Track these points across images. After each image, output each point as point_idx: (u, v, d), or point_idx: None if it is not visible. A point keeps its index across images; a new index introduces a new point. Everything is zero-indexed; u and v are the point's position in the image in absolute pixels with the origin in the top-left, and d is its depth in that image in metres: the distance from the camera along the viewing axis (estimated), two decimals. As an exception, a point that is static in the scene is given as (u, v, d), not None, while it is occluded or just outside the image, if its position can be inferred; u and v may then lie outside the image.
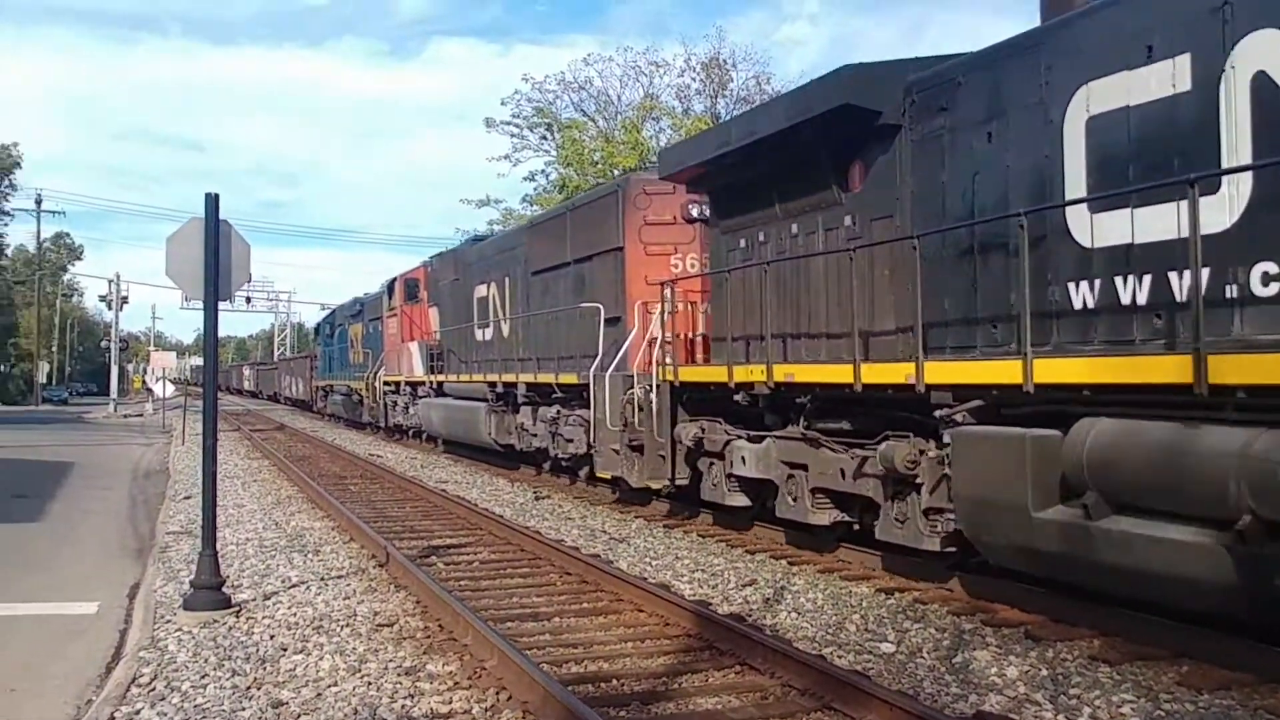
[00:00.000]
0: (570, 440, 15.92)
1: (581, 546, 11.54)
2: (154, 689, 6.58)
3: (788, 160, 10.59)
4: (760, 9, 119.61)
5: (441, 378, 23.62)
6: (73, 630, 8.46)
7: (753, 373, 10.77)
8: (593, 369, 14.47)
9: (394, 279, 28.67)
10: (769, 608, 8.74)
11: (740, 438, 11.34)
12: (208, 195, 8.87)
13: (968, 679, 6.72)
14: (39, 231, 73.96)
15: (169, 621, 8.27)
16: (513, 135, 44.96)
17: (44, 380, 74.34)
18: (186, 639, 7.75)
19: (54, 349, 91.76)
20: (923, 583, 9.30)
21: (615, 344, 14.55)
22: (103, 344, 78.68)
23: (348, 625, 8.13)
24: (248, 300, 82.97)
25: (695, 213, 13.48)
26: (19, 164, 71.19)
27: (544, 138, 45.23)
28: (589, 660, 7.12)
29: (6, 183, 75.64)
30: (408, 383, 27.05)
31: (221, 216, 8.94)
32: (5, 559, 11.55)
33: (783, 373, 10.28)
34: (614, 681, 6.63)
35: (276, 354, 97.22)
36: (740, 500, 11.71)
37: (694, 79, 43.21)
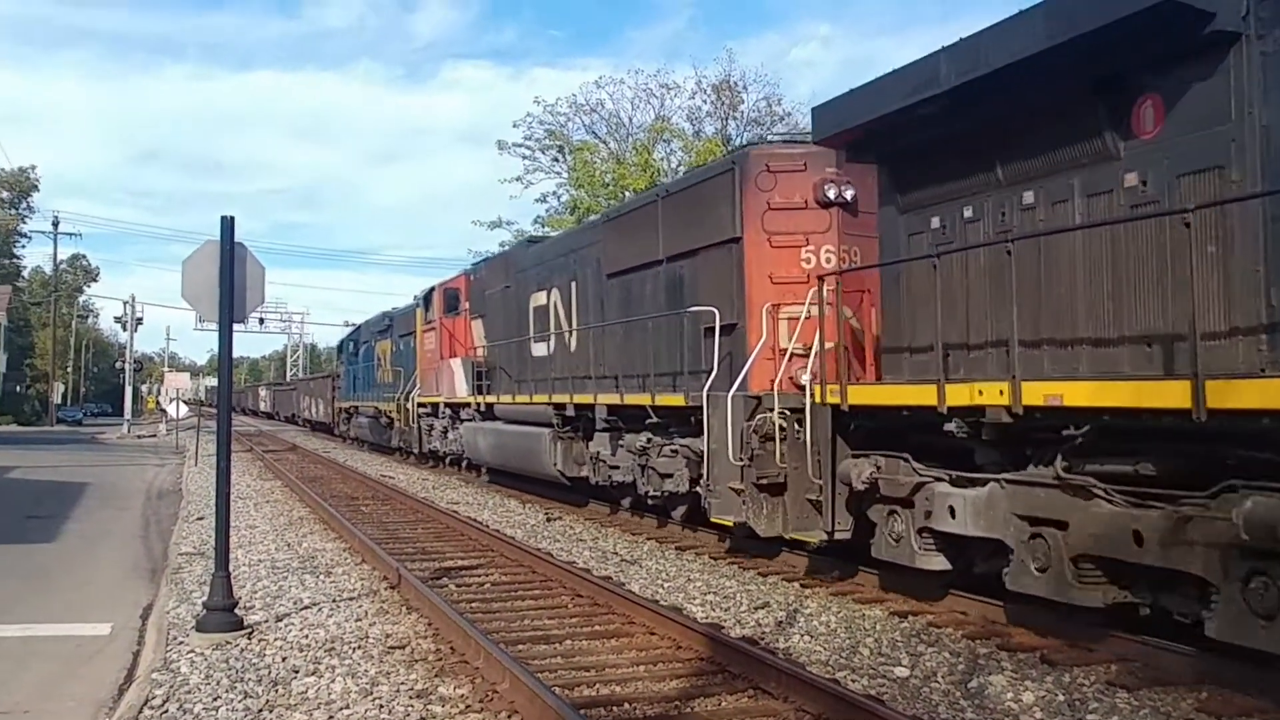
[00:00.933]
0: (667, 475, 13.06)
1: (593, 568, 11.51)
2: (166, 711, 6.57)
3: (1027, 102, 8.02)
4: (772, 31, 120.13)
5: (491, 399, 20.46)
6: (86, 651, 8.45)
7: (981, 393, 7.86)
8: (706, 388, 11.63)
9: (431, 289, 26.02)
10: (782, 631, 8.69)
11: (943, 480, 8.68)
12: (223, 218, 8.94)
13: (983, 704, 6.67)
14: (55, 253, 74.35)
15: (182, 643, 8.26)
16: (525, 157, 45.13)
17: (59, 401, 74.54)
18: (199, 661, 7.74)
19: (69, 370, 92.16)
20: (936, 605, 9.25)
21: (729, 358, 11.87)
22: (117, 365, 79.06)
23: (360, 647, 8.12)
24: (261, 321, 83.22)
25: (833, 194, 11.51)
26: (36, 186, 71.78)
27: (556, 159, 45.39)
28: (601, 683, 7.09)
29: (24, 205, 76.36)
30: (448, 404, 23.91)
31: (237, 239, 8.99)
32: (20, 579, 11.56)
33: (1041, 393, 7.40)
34: (626, 705, 6.60)
35: (290, 375, 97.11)
36: (938, 563, 8.94)
37: (705, 101, 43.39)
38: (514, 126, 46.26)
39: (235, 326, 9.22)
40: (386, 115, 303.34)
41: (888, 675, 7.35)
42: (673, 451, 12.99)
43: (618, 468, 14.73)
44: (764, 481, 10.72)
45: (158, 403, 56.20)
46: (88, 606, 10.13)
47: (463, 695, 6.83)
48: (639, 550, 13.21)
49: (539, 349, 18.23)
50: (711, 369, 11.73)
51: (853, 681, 7.13)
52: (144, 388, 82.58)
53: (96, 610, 9.93)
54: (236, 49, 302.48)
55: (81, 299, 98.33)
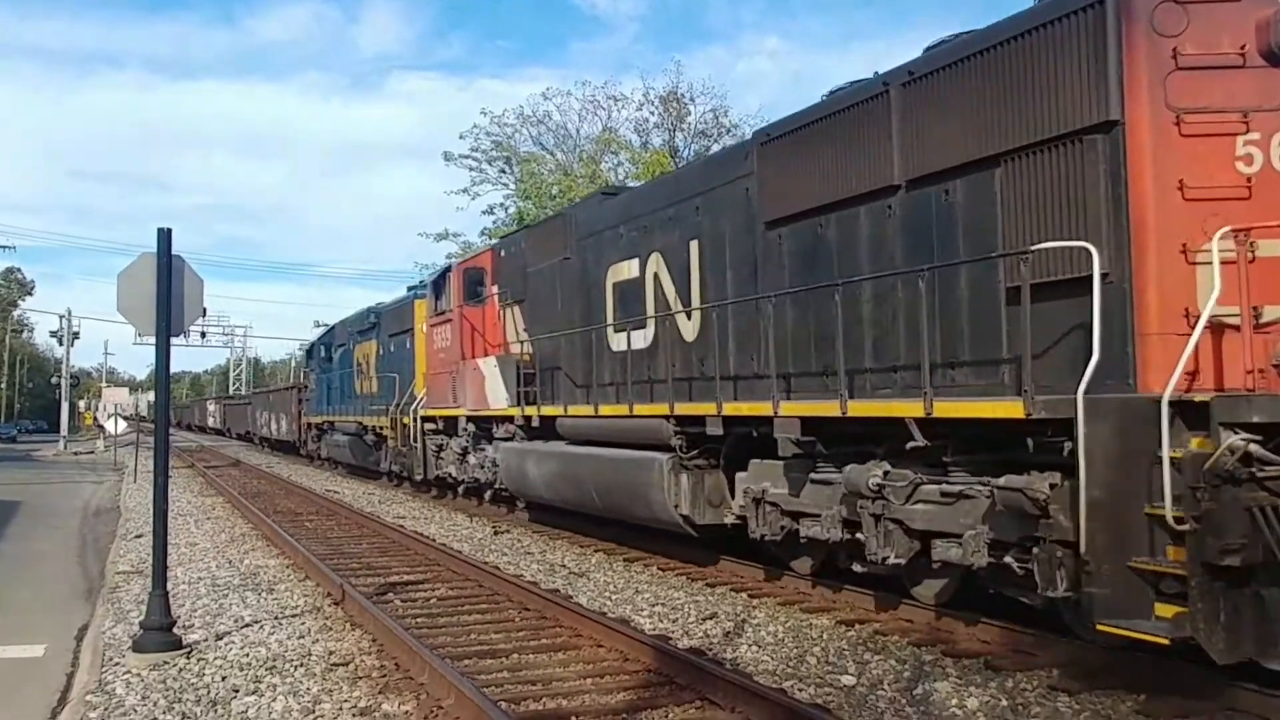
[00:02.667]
0: (945, 537, 8.02)
1: (541, 581, 11.44)
2: (101, 734, 6.41)
3: None
4: (719, 45, 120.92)
5: (553, 410, 14.66)
6: (18, 674, 8.23)
7: None
8: (1081, 388, 6.55)
9: (443, 271, 20.48)
10: (730, 641, 8.69)
11: None
12: (160, 230, 8.79)
13: (928, 711, 6.70)
14: (-11, 267, 72.83)
15: (117, 664, 8.08)
16: (471, 169, 44.94)
17: (-8, 417, 72.89)
18: (135, 682, 7.57)
19: (3, 386, 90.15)
20: (882, 614, 9.30)
21: (1084, 334, 6.92)
22: (53, 380, 77.38)
23: (302, 665, 7.99)
24: (203, 335, 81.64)
25: None
26: (-32, 199, 70.05)
27: (503, 171, 45.26)
28: (548, 697, 7.03)
29: (-45, 218, 74.54)
30: (473, 419, 17.81)
31: (176, 252, 8.85)
32: (-51, 601, 11.25)
33: None
34: (573, 718, 6.56)
35: (233, 389, 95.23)
36: None
37: (652, 112, 43.48)
38: (460, 138, 45.98)
39: (175, 340, 9.10)
40: (331, 128, 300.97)
41: (834, 684, 7.37)
42: (956, 497, 7.92)
43: (805, 515, 9.67)
44: (1226, 561, 5.99)
45: (95, 419, 55.15)
46: (20, 628, 9.87)
47: (407, 712, 6.74)
48: (587, 563, 13.16)
49: (624, 340, 12.96)
50: (1090, 355, 6.67)
51: (800, 691, 7.14)
52: (81, 403, 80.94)
53: (29, 632, 9.68)
54: (178, 61, 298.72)
55: (15, 313, 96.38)
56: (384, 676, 7.60)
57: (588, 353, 14.24)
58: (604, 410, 13.11)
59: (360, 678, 7.60)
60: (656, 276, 12.55)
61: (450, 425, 19.39)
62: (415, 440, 21.14)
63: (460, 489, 19.79)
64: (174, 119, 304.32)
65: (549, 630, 9.11)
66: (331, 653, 8.37)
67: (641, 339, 12.83)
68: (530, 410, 15.27)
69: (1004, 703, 6.79)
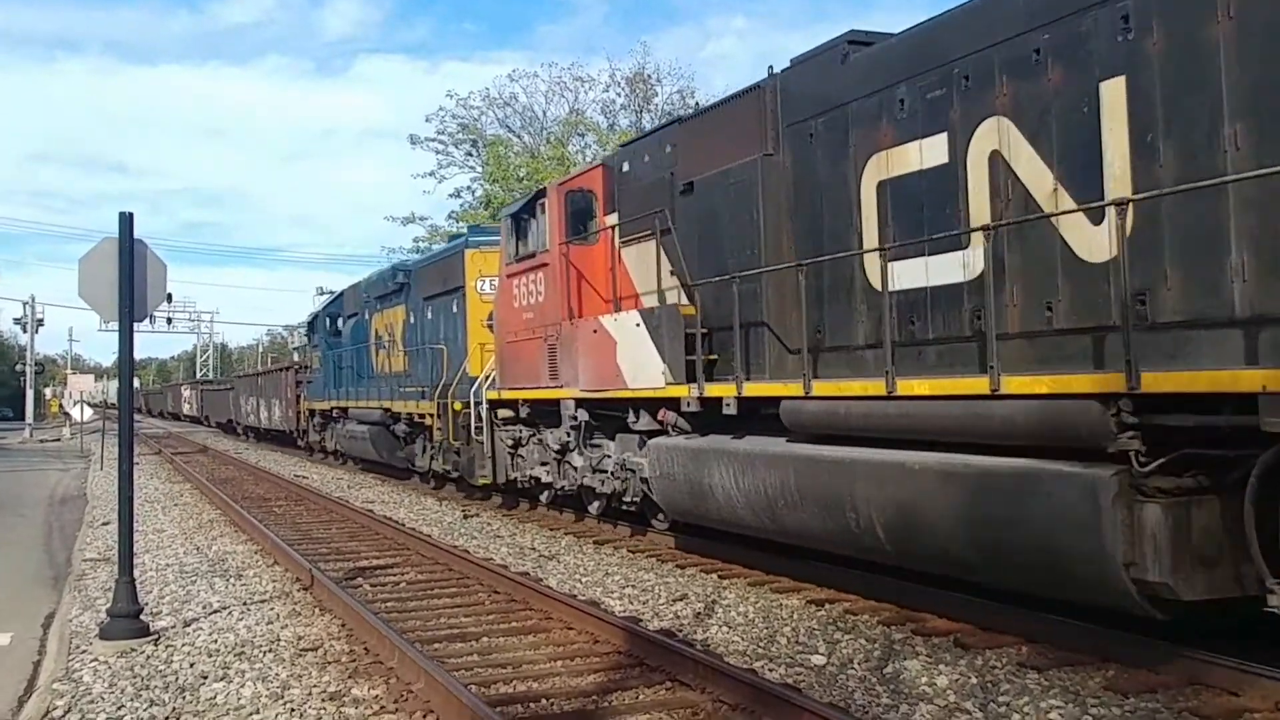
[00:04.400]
0: None
1: (510, 565, 11.43)
2: (67, 722, 6.35)
3: None
4: (686, 26, 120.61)
5: (779, 389, 9.45)
6: (-18, 664, 8.14)
7: None
8: None
9: (531, 199, 14.34)
10: (700, 622, 8.70)
11: None
12: (122, 214, 8.68)
13: (898, 689, 6.74)
14: (-51, 253, 71.79)
15: (84, 652, 8.01)
16: (438, 152, 44.73)
17: (-45, 405, 72.02)
18: (103, 669, 7.50)
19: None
20: (852, 593, 9.35)
21: None
22: (17, 368, 76.43)
23: (270, 651, 7.94)
24: (169, 321, 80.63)
25: None
26: (-73, 184, 69.06)
27: (469, 154, 45.07)
28: (518, 680, 7.02)
29: (-85, 203, 73.50)
30: (588, 402, 12.70)
31: (138, 236, 8.73)
32: (-89, 591, 11.11)
33: None
34: (543, 701, 6.54)
35: (200, 375, 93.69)
36: None
37: (619, 94, 43.39)
38: (426, 121, 45.80)
39: (139, 326, 8.99)
40: (296, 112, 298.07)
41: (805, 664, 7.40)
42: None
43: None
44: None
45: (61, 406, 54.57)
46: (-15, 617, 9.76)
47: (377, 696, 6.71)
48: (557, 545, 13.15)
49: (908, 270, 8.47)
50: None
51: (770, 671, 7.16)
52: (47, 391, 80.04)
53: (-6, 620, 9.58)
54: (139, 45, 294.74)
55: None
56: (354, 661, 7.56)
57: (819, 297, 9.29)
58: (912, 387, 7.89)
59: (330, 662, 7.56)
60: (999, 158, 7.73)
61: (542, 412, 14.20)
62: (480, 432, 15.83)
63: (543, 497, 15.12)
64: (135, 103, 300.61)
65: (519, 613, 9.09)
66: (300, 638, 8.32)
67: (952, 267, 8.10)
68: (721, 389, 10.05)
69: (973, 680, 6.84)
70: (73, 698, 6.84)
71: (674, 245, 11.32)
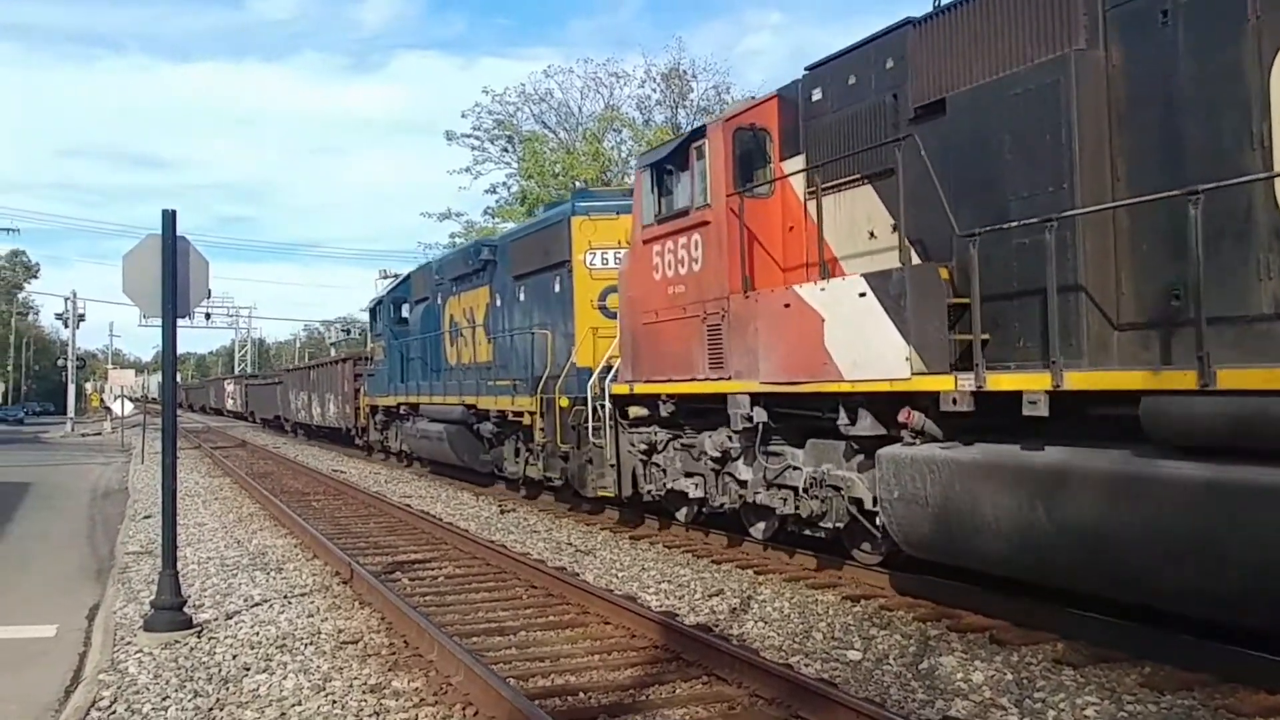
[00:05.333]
0: None
1: (547, 559, 11.50)
2: (114, 712, 6.48)
3: None
4: (722, 21, 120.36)
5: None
6: (31, 654, 8.30)
7: None
8: None
9: (684, 142, 11.59)
10: (736, 618, 8.74)
11: None
12: (165, 212, 8.80)
13: (934, 685, 6.75)
14: (-7, 250, 72.95)
15: (129, 643, 8.15)
16: (474, 148, 44.93)
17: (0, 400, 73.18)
18: (147, 660, 7.64)
19: (9, 368, 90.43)
20: (888, 589, 9.35)
21: None
22: (59, 362, 77.63)
23: (311, 643, 8.05)
24: (207, 316, 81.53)
25: None
26: (-28, 181, 70.14)
27: (505, 150, 45.23)
28: (555, 674, 7.09)
29: (-41, 200, 74.75)
30: (773, 394, 9.93)
31: (179, 233, 8.86)
32: (-40, 583, 11.34)
33: None
34: (581, 695, 6.61)
35: (239, 370, 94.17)
36: None
37: (654, 89, 43.39)
38: (462, 117, 45.89)
39: (180, 321, 9.10)
40: (331, 107, 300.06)
41: (841, 659, 7.42)
42: None
43: None
44: None
45: (102, 401, 55.29)
46: (32, 608, 9.95)
47: (417, 689, 6.80)
48: (593, 540, 13.22)
49: None
50: None
51: (806, 666, 7.19)
52: (88, 385, 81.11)
53: (41, 612, 9.77)
54: (176, 41, 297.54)
55: (21, 296, 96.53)
56: (393, 654, 7.66)
57: (1182, 245, 6.38)
58: None
59: (370, 655, 7.66)
60: None
61: (691, 411, 11.57)
62: (596, 434, 13.33)
63: (680, 514, 12.31)
64: (172, 99, 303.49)
65: (556, 607, 9.16)
66: (341, 631, 8.44)
67: None
68: (1021, 380, 7.22)
69: (1009, 677, 6.83)
70: (118, 688, 6.97)
71: (902, 188, 8.50)
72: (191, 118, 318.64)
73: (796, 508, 9.86)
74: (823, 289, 8.96)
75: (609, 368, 13.26)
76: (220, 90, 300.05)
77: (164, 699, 6.71)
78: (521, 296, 17.44)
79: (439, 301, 22.13)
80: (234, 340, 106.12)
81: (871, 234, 9.29)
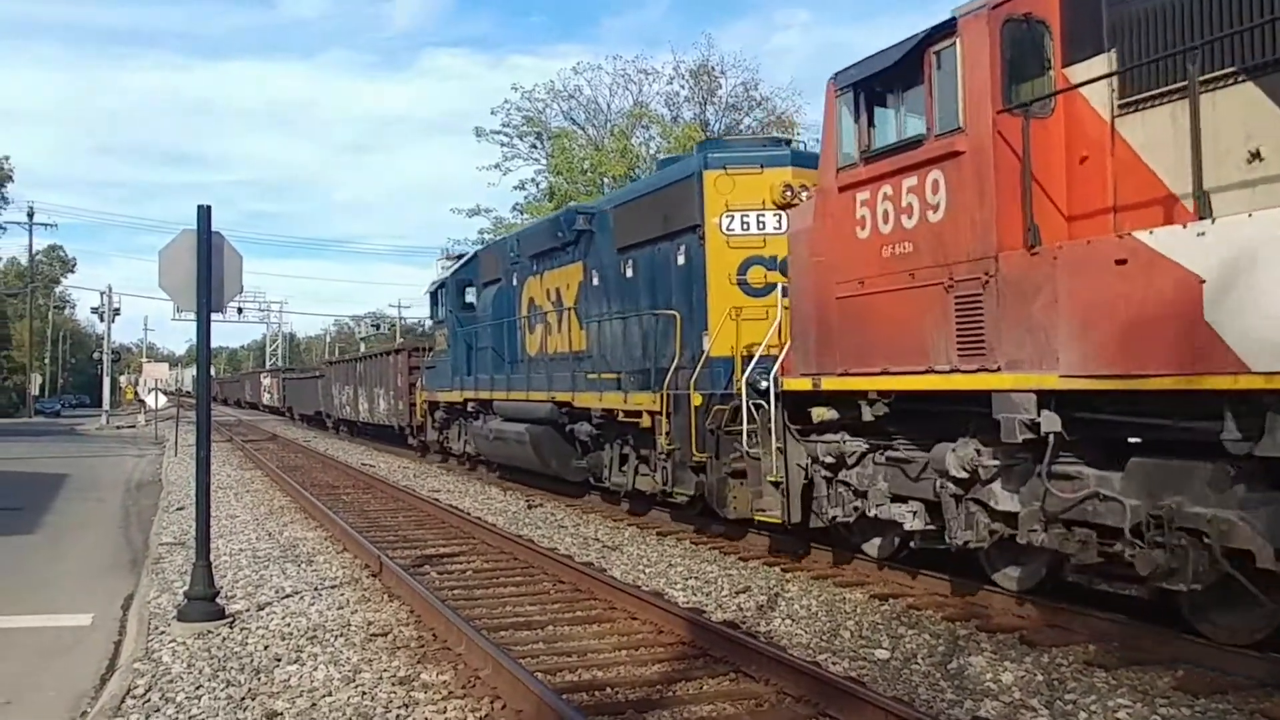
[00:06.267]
0: None
1: (575, 555, 11.53)
2: (149, 700, 6.56)
3: None
4: (750, 19, 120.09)
5: None
6: (67, 642, 8.42)
7: None
8: None
9: (909, 51, 8.34)
10: (763, 615, 8.74)
11: None
12: (200, 207, 8.89)
13: (963, 685, 6.73)
14: (31, 244, 73.84)
15: (163, 633, 8.24)
16: (502, 144, 45.02)
17: (36, 393, 74.12)
18: (181, 650, 7.73)
19: (46, 361, 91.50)
20: (916, 588, 9.32)
21: None
22: (95, 356, 78.50)
23: (342, 635, 8.11)
24: (239, 311, 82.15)
25: None
26: (10, 177, 71.08)
27: (534, 146, 45.31)
28: (583, 668, 7.11)
29: (-1, 196, 75.67)
30: (1084, 391, 6.95)
31: (214, 228, 8.95)
32: (-2, 571, 11.52)
33: None
34: (608, 690, 6.63)
35: (269, 364, 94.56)
36: None
37: (683, 86, 43.38)
38: (492, 114, 46.06)
39: (213, 316, 9.19)
40: (361, 104, 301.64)
41: (868, 657, 7.40)
42: None
43: None
44: None
45: (136, 393, 55.83)
46: (68, 597, 10.09)
47: (445, 681, 6.84)
48: (620, 536, 13.25)
49: None
50: None
51: (834, 664, 7.18)
52: (122, 379, 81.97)
53: (77, 601, 9.90)
54: (210, 39, 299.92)
55: (58, 290, 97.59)
56: (422, 647, 7.71)
57: None
58: None
59: (399, 648, 7.71)
60: None
61: (907, 413, 8.86)
62: (751, 440, 10.71)
63: (871, 547, 10.05)
64: (205, 96, 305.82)
65: (584, 603, 9.19)
66: (370, 623, 8.50)
67: None
68: None
69: (1039, 678, 6.80)
70: (153, 677, 7.05)
71: None
72: (225, 115, 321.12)
73: (1111, 555, 7.07)
74: (1202, 234, 6.18)
75: (750, 356, 11.13)
76: (253, 88, 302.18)
77: (197, 688, 6.79)
78: (629, 272, 14.53)
79: (514, 283, 19.16)
80: (265, 335, 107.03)
81: (1256, 155, 6.46)
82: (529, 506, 16.49)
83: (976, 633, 7.95)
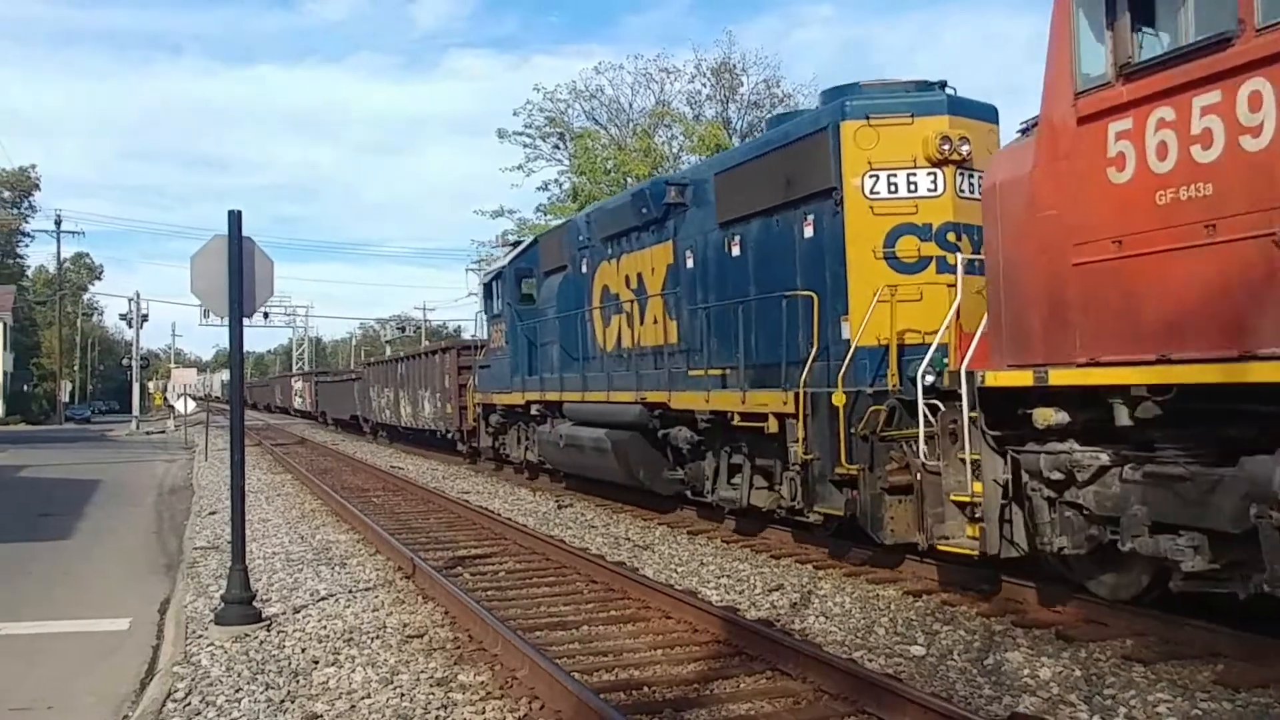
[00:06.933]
0: None
1: (606, 554, 11.55)
2: (189, 704, 6.62)
3: None
4: (772, 14, 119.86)
5: None
6: (106, 647, 8.50)
7: None
8: None
9: None
10: (797, 612, 8.73)
11: None
12: (231, 212, 8.94)
13: (1000, 681, 6.70)
14: (59, 252, 74.67)
15: (201, 636, 8.31)
16: (525, 145, 45.10)
17: (67, 399, 74.89)
18: (219, 654, 7.79)
19: (76, 368, 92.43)
20: (950, 584, 9.28)
21: None
22: (124, 362, 79.26)
23: (378, 637, 8.16)
24: (265, 315, 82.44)
25: None
26: (38, 185, 71.92)
27: (556, 147, 45.38)
28: (619, 668, 7.12)
29: (26, 204, 76.56)
30: None
31: (244, 233, 9.01)
32: (36, 577, 11.63)
33: None
34: (645, 689, 6.64)
35: (295, 367, 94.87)
36: None
37: (705, 84, 43.36)
38: (514, 115, 46.14)
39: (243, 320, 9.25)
40: (386, 107, 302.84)
41: (904, 654, 7.38)
42: None
43: None
44: None
45: (165, 399, 56.25)
46: (105, 602, 10.19)
47: (483, 682, 6.86)
48: (651, 535, 13.25)
49: None
50: None
51: (870, 661, 7.16)
52: (151, 384, 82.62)
53: (114, 605, 9.99)
54: (236, 44, 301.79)
55: (86, 297, 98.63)
56: (458, 648, 7.74)
57: None
58: None
59: (435, 649, 7.74)
60: None
61: (1171, 416, 6.64)
62: (931, 447, 8.79)
63: (1108, 583, 7.97)
64: (231, 101, 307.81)
65: (617, 602, 9.21)
66: (406, 625, 8.54)
67: None
68: None
69: (1077, 673, 6.76)
70: (192, 680, 7.11)
71: None
72: (251, 119, 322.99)
73: None
74: None
75: (903, 346, 9.84)
76: (279, 92, 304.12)
77: (237, 691, 6.84)
78: (734, 250, 12.45)
79: (583, 269, 16.94)
80: (291, 339, 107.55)
81: None
82: (559, 507, 16.52)
83: (1012, 628, 7.92)
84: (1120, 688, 6.45)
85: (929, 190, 10.37)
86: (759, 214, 11.98)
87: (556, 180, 45.33)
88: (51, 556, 13.02)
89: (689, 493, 13.47)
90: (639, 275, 14.96)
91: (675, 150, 40.64)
